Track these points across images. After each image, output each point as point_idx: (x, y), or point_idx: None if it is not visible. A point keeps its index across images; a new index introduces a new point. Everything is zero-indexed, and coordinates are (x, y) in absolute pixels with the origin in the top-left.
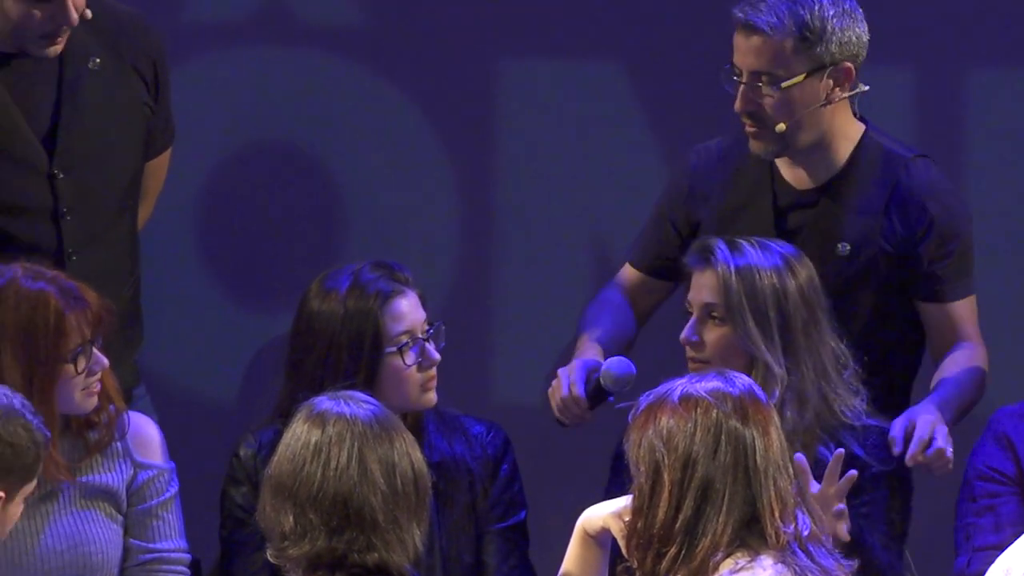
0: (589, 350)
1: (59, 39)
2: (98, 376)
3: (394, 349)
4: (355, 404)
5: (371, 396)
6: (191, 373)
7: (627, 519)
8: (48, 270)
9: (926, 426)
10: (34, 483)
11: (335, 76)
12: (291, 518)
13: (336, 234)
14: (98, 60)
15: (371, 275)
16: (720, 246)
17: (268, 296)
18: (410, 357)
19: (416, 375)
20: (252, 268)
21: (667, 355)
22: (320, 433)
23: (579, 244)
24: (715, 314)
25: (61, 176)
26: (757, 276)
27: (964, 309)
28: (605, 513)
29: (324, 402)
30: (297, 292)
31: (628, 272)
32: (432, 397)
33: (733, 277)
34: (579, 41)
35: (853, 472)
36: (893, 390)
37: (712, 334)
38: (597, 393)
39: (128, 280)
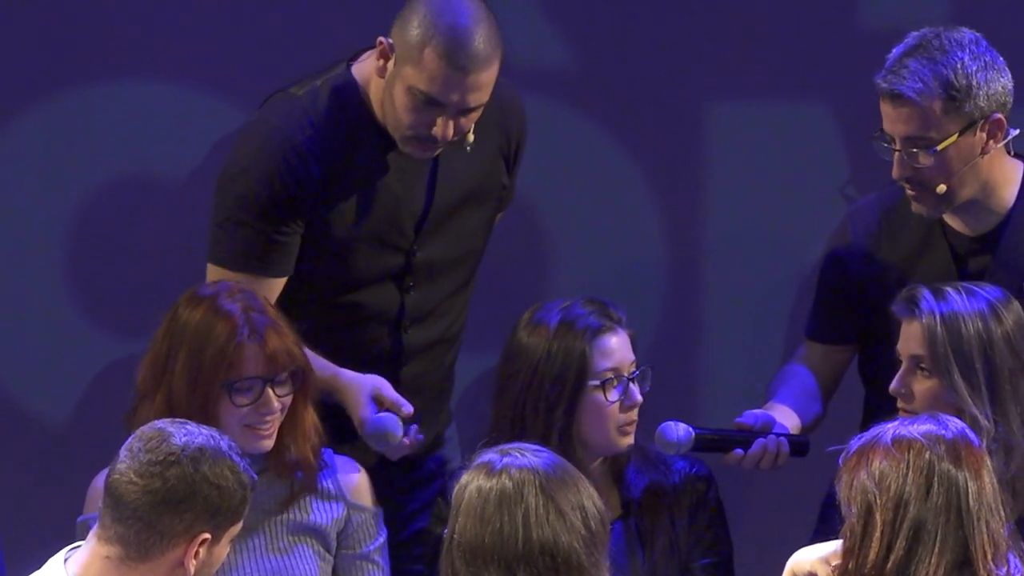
0: (770, 410)
1: (433, 149)
2: (268, 420)
3: (598, 383)
4: (530, 454)
5: (570, 431)
6: None
7: (835, 563)
8: (257, 299)
9: None
10: (240, 525)
11: (545, 117)
12: None
13: (543, 274)
14: (471, 141)
15: (583, 310)
16: (925, 295)
17: (474, 335)
18: (613, 394)
19: (616, 414)
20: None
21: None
22: (504, 488)
23: (787, 286)
24: (923, 365)
25: (418, 254)
26: (963, 324)
27: None
28: (814, 558)
29: (496, 458)
30: (504, 331)
31: (807, 346)
32: (628, 441)
33: (938, 327)
34: (786, 83)
35: None
36: None
37: (920, 386)
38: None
39: (452, 349)
